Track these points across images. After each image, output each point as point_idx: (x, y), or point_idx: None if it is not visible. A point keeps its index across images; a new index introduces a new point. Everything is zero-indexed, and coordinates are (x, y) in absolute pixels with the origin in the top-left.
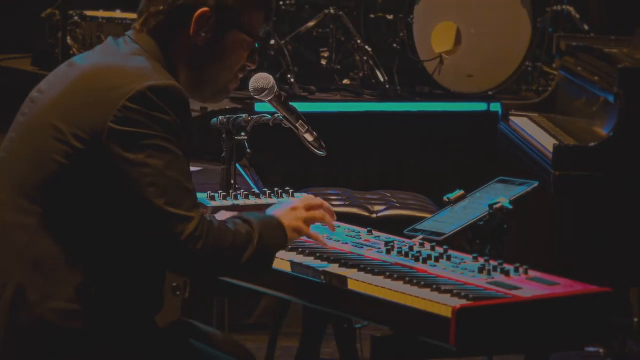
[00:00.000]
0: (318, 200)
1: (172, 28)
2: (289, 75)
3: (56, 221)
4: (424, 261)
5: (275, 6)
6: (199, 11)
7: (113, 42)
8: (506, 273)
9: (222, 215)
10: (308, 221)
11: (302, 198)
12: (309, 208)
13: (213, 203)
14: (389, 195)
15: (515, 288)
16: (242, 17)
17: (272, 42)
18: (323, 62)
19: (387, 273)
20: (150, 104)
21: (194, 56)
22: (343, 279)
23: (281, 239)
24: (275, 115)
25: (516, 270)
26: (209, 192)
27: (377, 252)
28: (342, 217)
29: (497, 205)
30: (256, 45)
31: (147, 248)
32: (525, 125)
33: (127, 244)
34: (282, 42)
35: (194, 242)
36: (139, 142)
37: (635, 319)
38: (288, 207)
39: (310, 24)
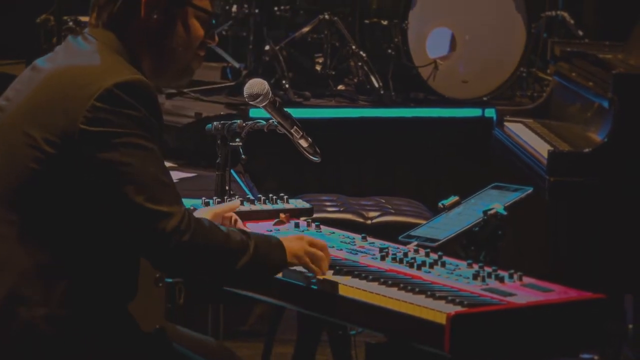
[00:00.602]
0: (322, 242)
1: (125, 15)
2: (283, 81)
3: (36, 228)
4: (419, 268)
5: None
6: None
7: (73, 41)
8: (501, 280)
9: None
10: (309, 254)
11: (309, 237)
12: (312, 245)
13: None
14: (383, 201)
15: (510, 295)
16: None
17: (267, 47)
18: (318, 68)
19: (382, 279)
20: (118, 101)
21: (151, 40)
22: (337, 286)
23: (280, 256)
24: (270, 121)
25: (511, 276)
26: (203, 198)
27: (372, 258)
28: (337, 224)
29: (492, 212)
30: (213, 22)
31: (134, 247)
32: (519, 131)
33: (110, 244)
34: (277, 47)
35: (180, 235)
36: (112, 141)
37: (630, 326)
38: (293, 235)
39: (305, 29)
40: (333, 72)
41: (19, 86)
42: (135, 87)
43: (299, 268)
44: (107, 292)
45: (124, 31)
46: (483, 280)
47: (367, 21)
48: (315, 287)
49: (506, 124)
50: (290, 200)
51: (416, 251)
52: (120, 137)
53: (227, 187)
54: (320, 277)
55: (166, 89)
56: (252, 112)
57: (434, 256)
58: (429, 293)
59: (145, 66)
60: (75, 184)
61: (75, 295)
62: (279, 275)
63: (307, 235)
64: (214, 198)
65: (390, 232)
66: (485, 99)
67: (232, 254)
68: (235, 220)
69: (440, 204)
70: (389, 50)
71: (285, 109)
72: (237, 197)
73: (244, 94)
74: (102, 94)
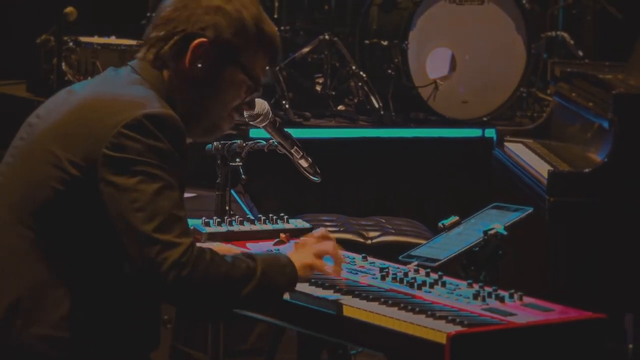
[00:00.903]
0: (325, 231)
1: (172, 57)
2: (284, 102)
3: (48, 247)
4: (419, 287)
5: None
6: (196, 41)
7: (113, 72)
8: (501, 299)
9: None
10: (319, 254)
11: (312, 232)
12: (319, 239)
13: (208, 229)
14: (383, 221)
15: (510, 314)
16: (242, 54)
17: (267, 68)
18: (318, 88)
19: (382, 299)
20: (145, 131)
21: (189, 87)
22: (338, 305)
23: (289, 275)
24: (270, 141)
25: (511, 296)
26: (204, 218)
27: (372, 278)
28: (337, 243)
29: (492, 232)
30: (258, 90)
31: (135, 274)
32: (520, 151)
33: (119, 272)
34: (277, 68)
35: (179, 269)
36: (131, 168)
37: (631, 345)
38: (297, 245)
39: (305, 50)
40: (333, 93)
41: (52, 106)
42: (165, 120)
43: (301, 289)
44: (111, 320)
45: (167, 71)
46: (483, 300)
47: (367, 41)
48: (315, 308)
49: (506, 144)
50: (291, 220)
51: (416, 271)
52: (140, 165)
53: (227, 207)
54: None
55: None
56: (252, 132)
57: (434, 276)
58: (429, 313)
59: (178, 109)
60: (92, 208)
61: (73, 319)
62: None
63: (308, 238)
64: (214, 218)
65: (390, 252)
66: (485, 119)
67: (236, 284)
68: None
69: (440, 224)
70: (389, 71)
71: (286, 129)
72: (237, 217)
73: (244, 114)
74: (130, 122)
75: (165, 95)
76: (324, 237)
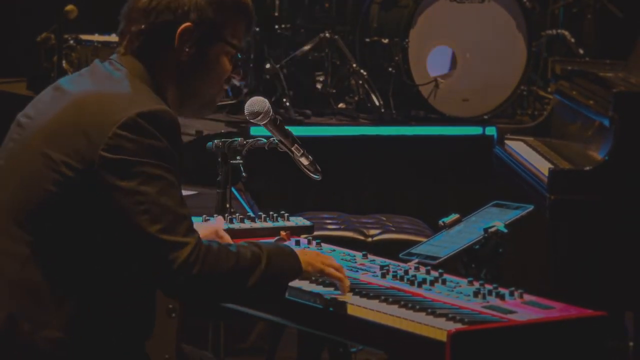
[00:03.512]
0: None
1: (156, 46)
2: (284, 99)
3: (48, 249)
4: (419, 285)
5: (254, 18)
6: (182, 27)
7: (100, 66)
8: (501, 297)
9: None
10: (324, 263)
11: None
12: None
13: None
14: (384, 219)
15: (511, 312)
16: (224, 29)
17: (268, 66)
18: (318, 86)
19: (383, 297)
20: (141, 130)
21: (180, 72)
22: (339, 303)
23: (294, 266)
24: (271, 139)
25: (511, 294)
26: (204, 216)
27: (373, 276)
28: (338, 241)
29: (493, 229)
30: (239, 56)
31: (144, 275)
32: (520, 149)
33: (120, 271)
34: (278, 66)
35: (190, 268)
36: (132, 169)
37: (631, 343)
38: (307, 248)
39: (306, 48)
40: (334, 91)
41: (41, 105)
42: (159, 118)
43: (302, 286)
44: (114, 319)
45: (153, 61)
46: (484, 297)
47: (367, 40)
48: (315, 305)
49: (507, 142)
50: (291, 218)
51: (417, 269)
52: (139, 166)
53: (227, 205)
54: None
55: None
56: (253, 130)
57: (434, 274)
58: (429, 310)
59: (170, 96)
60: (91, 209)
61: (79, 321)
62: None
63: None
64: (215, 215)
65: (391, 250)
66: (485, 117)
67: (244, 273)
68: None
69: (440, 222)
70: (390, 69)
71: (286, 127)
72: (238, 214)
73: (245, 111)
74: (125, 122)
75: (155, 87)
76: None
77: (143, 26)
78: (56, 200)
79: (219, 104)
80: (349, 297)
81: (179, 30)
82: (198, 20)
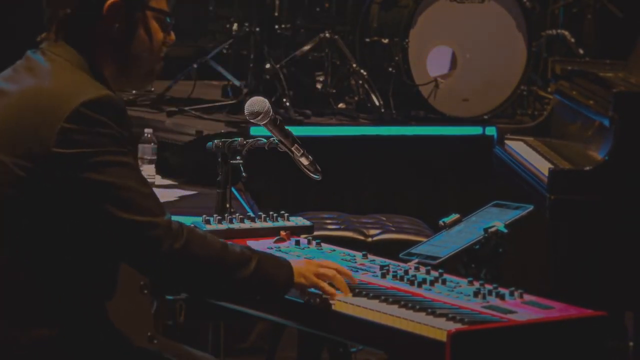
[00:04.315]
0: (333, 263)
1: (86, 27)
2: (284, 99)
3: (23, 251)
4: (419, 285)
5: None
6: (107, 3)
7: (34, 57)
8: (501, 297)
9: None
10: (319, 276)
11: (318, 261)
12: (322, 267)
13: (208, 227)
14: (384, 219)
15: (511, 312)
16: None
17: (268, 66)
18: (318, 86)
19: (383, 297)
20: (87, 120)
21: (114, 48)
22: (338, 303)
23: (285, 274)
24: (271, 139)
25: (511, 294)
26: (204, 216)
27: (373, 276)
28: (337, 241)
29: (493, 229)
30: (168, 20)
31: (126, 260)
32: (520, 149)
33: (93, 257)
34: (278, 66)
35: (172, 240)
36: (88, 161)
37: (631, 343)
38: (302, 259)
39: (306, 48)
40: (334, 91)
41: None
42: (103, 104)
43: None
44: (95, 305)
45: (85, 44)
46: (484, 297)
47: (367, 39)
48: (315, 305)
49: (507, 142)
50: (291, 218)
51: (417, 269)
52: (95, 157)
53: (227, 205)
54: (333, 299)
55: (167, 107)
56: (253, 130)
57: (434, 274)
58: (429, 310)
59: (108, 74)
60: (54, 206)
61: (66, 314)
62: None
63: (317, 259)
64: (215, 216)
65: (391, 250)
66: (485, 117)
67: (230, 265)
68: None
69: (440, 222)
70: (390, 69)
71: (286, 127)
72: (238, 215)
73: (245, 111)
74: (70, 115)
75: (92, 70)
76: (330, 266)
77: (69, 10)
78: (16, 202)
79: (218, 104)
80: (349, 297)
81: (105, 6)
82: None
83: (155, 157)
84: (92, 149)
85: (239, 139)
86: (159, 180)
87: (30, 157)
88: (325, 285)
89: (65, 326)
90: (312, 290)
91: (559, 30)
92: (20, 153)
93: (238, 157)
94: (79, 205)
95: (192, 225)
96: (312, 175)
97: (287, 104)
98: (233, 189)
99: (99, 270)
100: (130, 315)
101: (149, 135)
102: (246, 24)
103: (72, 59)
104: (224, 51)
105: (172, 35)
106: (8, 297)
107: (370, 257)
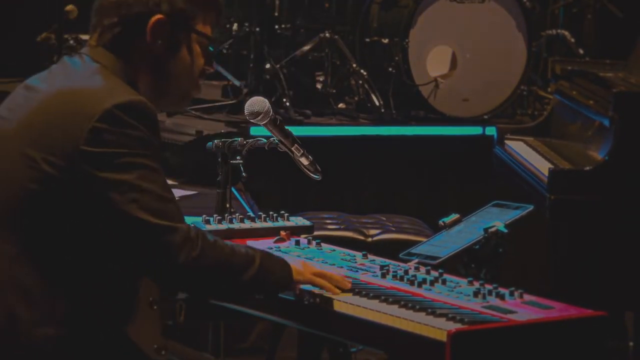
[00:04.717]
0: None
1: (129, 39)
2: (284, 99)
3: (37, 247)
4: (419, 285)
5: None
6: (153, 19)
7: (70, 62)
8: (501, 297)
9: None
10: (315, 273)
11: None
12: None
13: (208, 227)
14: (384, 219)
15: (511, 312)
16: (195, 20)
17: (268, 66)
18: (318, 86)
19: (382, 297)
20: (119, 121)
21: (153, 64)
22: (338, 303)
23: (284, 274)
24: (271, 139)
25: (511, 294)
26: (204, 216)
27: (373, 276)
28: (337, 241)
29: (493, 229)
30: (211, 48)
31: (141, 265)
32: (520, 149)
33: (111, 264)
34: (278, 66)
35: (190, 248)
36: (114, 161)
37: (631, 343)
38: (299, 259)
39: (306, 48)
40: (334, 91)
41: (12, 105)
42: (135, 107)
43: (303, 285)
44: (106, 311)
45: (125, 54)
46: (484, 297)
47: (367, 39)
48: (315, 305)
49: (507, 142)
50: (291, 218)
51: (417, 269)
52: (121, 157)
53: (227, 205)
54: (333, 295)
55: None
56: (253, 130)
57: (434, 274)
58: (429, 310)
59: (142, 87)
60: (77, 204)
61: (75, 315)
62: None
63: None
64: (215, 216)
65: (390, 250)
66: (485, 117)
67: (238, 267)
68: None
69: (440, 222)
70: (390, 69)
71: (286, 127)
72: (237, 215)
73: (245, 111)
74: (102, 115)
75: (127, 79)
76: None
77: (115, 19)
78: (38, 197)
79: (218, 104)
80: (349, 297)
81: (150, 22)
82: (169, 12)
83: None
84: (120, 149)
85: (239, 139)
86: None
87: (59, 153)
88: (322, 281)
89: (72, 327)
90: (310, 287)
91: (559, 30)
92: (49, 149)
93: (238, 157)
94: (99, 205)
95: (202, 230)
96: (312, 175)
97: (287, 104)
98: (233, 189)
99: (115, 276)
100: (138, 329)
101: None
102: (246, 24)
103: (109, 65)
104: (224, 51)
105: (213, 64)
106: (14, 292)
107: (370, 257)
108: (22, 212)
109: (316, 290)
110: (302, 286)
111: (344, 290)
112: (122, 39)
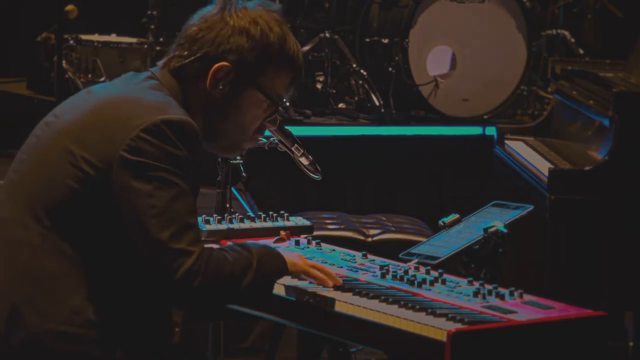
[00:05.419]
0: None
1: (193, 75)
2: (284, 99)
3: (60, 242)
4: (419, 285)
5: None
6: (218, 65)
7: (134, 75)
8: (501, 297)
9: None
10: (309, 265)
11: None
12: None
13: (208, 227)
14: (384, 219)
15: (511, 312)
16: (262, 76)
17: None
18: (319, 86)
19: (382, 297)
20: (163, 136)
21: (209, 106)
22: (338, 303)
23: (281, 266)
24: (271, 139)
25: (511, 294)
26: (204, 216)
27: (372, 276)
28: (337, 241)
29: (492, 229)
30: (278, 109)
31: (148, 278)
32: (520, 149)
33: (129, 270)
34: None
35: (192, 278)
36: (148, 173)
37: (631, 343)
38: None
39: (306, 48)
40: (334, 91)
41: (69, 106)
42: (182, 127)
43: (300, 285)
44: (118, 308)
45: (186, 85)
46: (484, 297)
47: (367, 40)
48: (315, 305)
49: (507, 142)
50: (291, 218)
51: (417, 269)
52: (157, 171)
53: (227, 205)
54: (329, 286)
55: None
56: None
57: (434, 274)
58: (429, 310)
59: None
60: (106, 208)
61: (86, 314)
62: (280, 292)
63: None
64: (215, 216)
65: (390, 250)
66: (486, 117)
67: (238, 278)
68: None
69: (440, 222)
70: (390, 69)
71: (286, 127)
72: (237, 214)
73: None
74: (148, 126)
75: (182, 105)
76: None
77: (186, 52)
78: (74, 195)
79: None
80: (349, 297)
81: (214, 67)
82: (236, 62)
83: None
84: (156, 163)
85: None
86: None
87: (99, 154)
88: (315, 272)
89: (82, 323)
90: (308, 285)
91: (559, 30)
92: (91, 149)
93: (238, 157)
94: (124, 211)
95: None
96: (312, 175)
97: (287, 103)
98: (233, 189)
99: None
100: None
101: None
102: None
103: (169, 87)
104: None
105: (275, 122)
106: (29, 282)
107: (370, 257)
108: (56, 206)
109: (309, 288)
110: (289, 283)
111: (344, 290)
112: (186, 72)
